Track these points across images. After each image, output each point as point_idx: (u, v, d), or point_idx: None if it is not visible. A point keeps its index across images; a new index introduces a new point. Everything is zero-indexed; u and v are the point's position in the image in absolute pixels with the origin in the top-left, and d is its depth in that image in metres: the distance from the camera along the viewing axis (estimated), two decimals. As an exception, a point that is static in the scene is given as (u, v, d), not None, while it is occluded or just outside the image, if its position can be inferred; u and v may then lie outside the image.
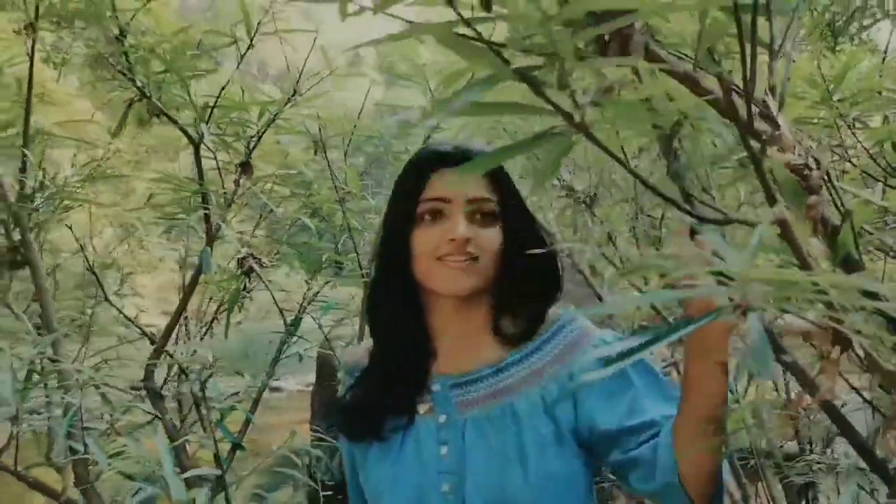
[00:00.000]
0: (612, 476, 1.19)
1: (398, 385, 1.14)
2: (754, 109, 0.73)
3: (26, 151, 1.51)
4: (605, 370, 0.55)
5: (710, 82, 0.78)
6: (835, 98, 1.32)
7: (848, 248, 0.58)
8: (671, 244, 0.85)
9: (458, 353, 1.15)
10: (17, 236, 1.62)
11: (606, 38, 0.73)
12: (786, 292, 0.42)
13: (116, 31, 1.42)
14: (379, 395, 1.15)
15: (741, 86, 0.74)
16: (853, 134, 1.33)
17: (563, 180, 2.85)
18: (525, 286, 1.13)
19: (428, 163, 1.13)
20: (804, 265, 0.55)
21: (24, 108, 1.50)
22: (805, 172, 0.69)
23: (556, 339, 1.14)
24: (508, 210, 1.12)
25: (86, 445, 1.34)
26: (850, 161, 1.36)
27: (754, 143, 0.67)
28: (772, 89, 0.79)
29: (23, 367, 1.26)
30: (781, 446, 2.68)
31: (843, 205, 0.78)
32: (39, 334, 1.87)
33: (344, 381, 1.24)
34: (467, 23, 0.47)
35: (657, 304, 1.92)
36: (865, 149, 1.34)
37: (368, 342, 1.23)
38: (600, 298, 3.05)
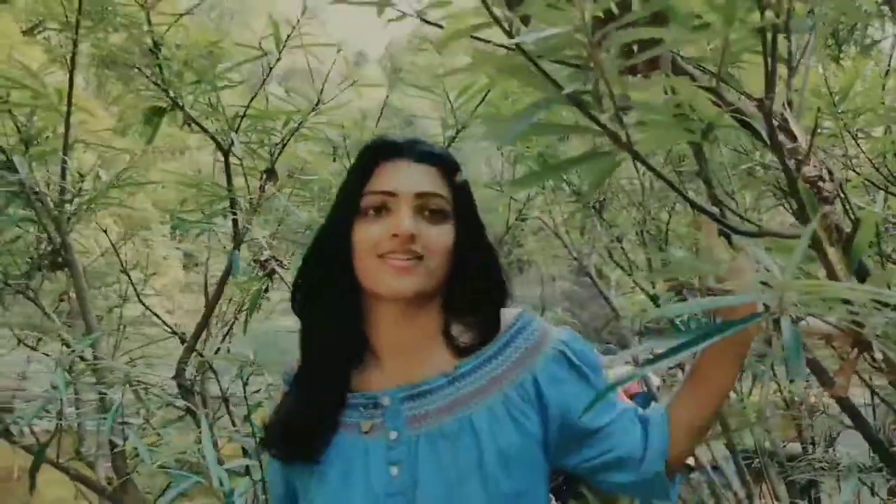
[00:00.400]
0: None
1: (331, 399, 1.04)
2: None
3: (66, 158, 1.58)
4: (631, 370, 0.61)
5: (731, 95, 0.84)
6: (839, 109, 1.37)
7: (861, 256, 0.64)
8: (704, 246, 0.89)
9: (407, 361, 1.06)
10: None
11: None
12: (811, 299, 0.48)
13: (151, 44, 1.49)
14: (310, 410, 1.04)
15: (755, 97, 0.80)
16: (857, 144, 1.38)
17: (573, 185, 2.91)
18: (477, 290, 1.06)
19: (376, 153, 1.04)
20: (832, 276, 0.61)
21: (61, 116, 1.57)
22: (819, 184, 0.75)
23: (515, 343, 1.06)
24: (461, 208, 1.05)
25: (125, 439, 1.40)
26: (853, 170, 1.42)
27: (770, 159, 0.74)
28: (789, 103, 0.85)
29: (65, 364, 1.32)
30: (784, 446, 2.74)
31: (854, 214, 0.84)
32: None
33: (280, 387, 1.14)
34: (527, 56, 0.54)
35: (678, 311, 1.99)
36: (868, 158, 1.40)
37: None
38: (607, 299, 3.12)
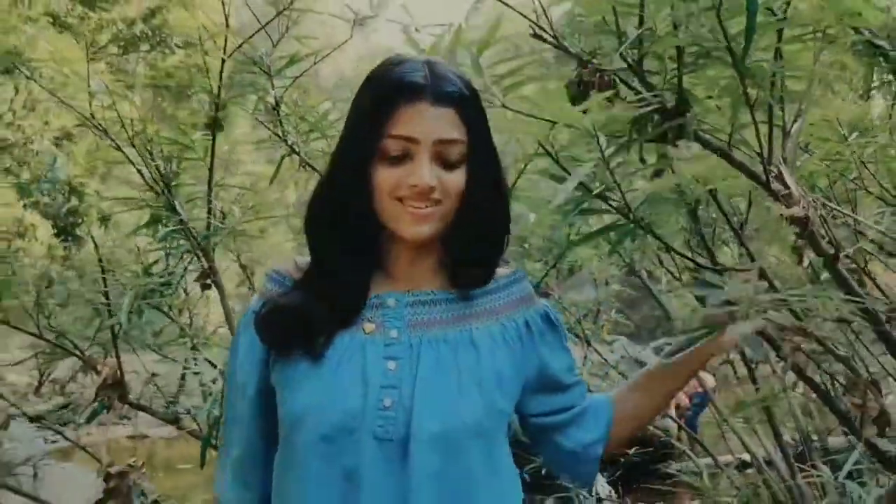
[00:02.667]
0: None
1: (341, 301, 1.07)
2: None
3: (211, 199, 1.94)
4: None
5: (739, 156, 1.14)
6: (851, 139, 1.62)
7: (820, 272, 0.94)
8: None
9: (412, 277, 1.11)
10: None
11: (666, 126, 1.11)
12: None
13: (273, 103, 1.84)
14: (318, 307, 1.06)
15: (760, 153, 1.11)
16: (866, 167, 1.63)
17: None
18: (482, 231, 1.09)
19: (397, 94, 1.01)
20: (773, 288, 0.92)
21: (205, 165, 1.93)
22: (804, 221, 1.04)
23: (512, 288, 1.14)
24: (476, 151, 1.04)
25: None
26: (867, 190, 1.67)
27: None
28: (784, 159, 1.14)
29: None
30: (829, 434, 2.92)
31: (834, 241, 1.12)
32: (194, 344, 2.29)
33: (264, 287, 1.14)
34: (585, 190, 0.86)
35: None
36: (876, 179, 1.64)
37: (298, 258, 1.14)
38: (658, 301, 3.33)
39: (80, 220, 11.93)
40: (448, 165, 1.02)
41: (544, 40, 1.01)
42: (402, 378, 1.03)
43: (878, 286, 1.48)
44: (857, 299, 1.03)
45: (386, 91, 1.02)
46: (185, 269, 2.14)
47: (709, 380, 4.49)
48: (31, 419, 2.43)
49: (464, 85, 1.05)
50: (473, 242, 1.09)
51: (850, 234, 1.62)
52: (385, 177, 1.02)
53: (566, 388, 1.18)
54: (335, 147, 1.12)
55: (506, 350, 1.10)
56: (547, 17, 1.01)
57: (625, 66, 1.04)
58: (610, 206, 0.93)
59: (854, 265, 1.59)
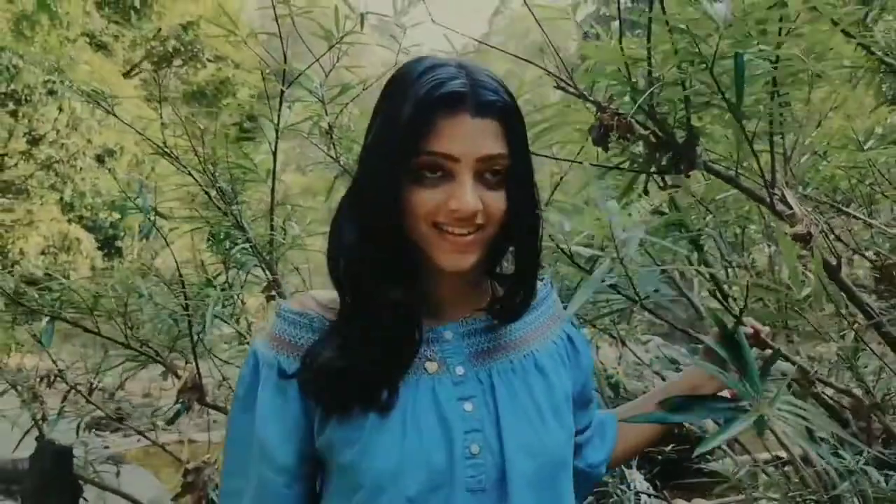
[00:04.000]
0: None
1: (396, 346, 0.94)
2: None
3: (273, 216, 2.11)
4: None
5: (746, 182, 1.27)
6: (866, 147, 1.74)
7: (824, 283, 1.07)
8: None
9: (458, 301, 1.01)
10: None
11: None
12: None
13: (327, 127, 2.00)
14: (372, 354, 0.92)
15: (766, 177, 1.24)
16: (882, 174, 1.75)
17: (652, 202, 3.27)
18: (522, 253, 1.00)
19: (435, 104, 0.88)
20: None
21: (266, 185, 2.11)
22: (806, 238, 1.16)
23: (549, 301, 1.10)
24: (516, 166, 0.93)
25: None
26: (883, 195, 1.79)
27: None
28: (787, 183, 1.26)
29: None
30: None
31: (836, 253, 1.25)
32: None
33: (281, 330, 0.97)
34: (578, 266, 1.01)
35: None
36: (892, 185, 1.76)
37: (316, 294, 1.01)
38: (690, 301, 3.43)
39: (122, 234, 12.35)
40: (490, 184, 0.91)
41: (567, 91, 1.15)
42: (482, 419, 0.93)
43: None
44: (861, 305, 1.16)
45: (422, 101, 0.88)
46: (244, 281, 2.32)
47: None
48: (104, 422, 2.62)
49: (504, 91, 0.93)
50: (515, 267, 1.01)
51: (871, 237, 1.74)
52: (421, 200, 0.90)
53: (590, 401, 1.18)
54: (361, 162, 0.97)
55: (563, 368, 1.05)
56: (567, 70, 1.16)
57: (638, 109, 1.19)
58: (620, 293, 1.11)
59: (873, 266, 1.71)
